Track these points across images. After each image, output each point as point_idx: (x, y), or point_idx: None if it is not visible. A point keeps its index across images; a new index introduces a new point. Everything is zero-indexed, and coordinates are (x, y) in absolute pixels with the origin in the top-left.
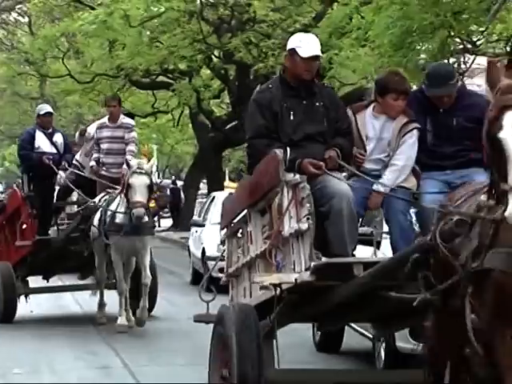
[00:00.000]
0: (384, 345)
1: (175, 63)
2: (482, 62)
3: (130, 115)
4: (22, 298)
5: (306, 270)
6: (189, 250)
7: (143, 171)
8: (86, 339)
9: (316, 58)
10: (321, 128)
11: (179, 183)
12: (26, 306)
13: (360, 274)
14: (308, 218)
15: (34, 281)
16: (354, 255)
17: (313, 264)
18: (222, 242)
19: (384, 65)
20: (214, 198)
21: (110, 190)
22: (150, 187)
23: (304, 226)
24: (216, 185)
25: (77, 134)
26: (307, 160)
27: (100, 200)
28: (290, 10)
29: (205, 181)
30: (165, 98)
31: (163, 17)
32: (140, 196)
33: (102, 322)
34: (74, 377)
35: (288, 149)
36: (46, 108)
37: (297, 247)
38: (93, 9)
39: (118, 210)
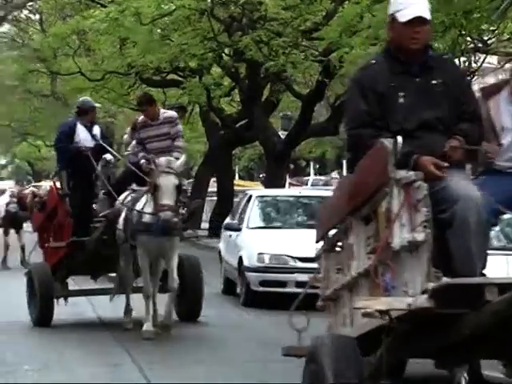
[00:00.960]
0: (466, 373)
1: (186, 61)
2: (492, 60)
3: (182, 108)
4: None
5: (423, 293)
6: (220, 255)
7: (172, 171)
8: (96, 338)
9: (423, 21)
10: (440, 113)
11: (187, 181)
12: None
13: (494, 300)
14: (425, 227)
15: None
16: (483, 275)
17: (431, 286)
18: (317, 258)
19: None
20: (250, 197)
21: (135, 188)
22: (179, 188)
23: (420, 236)
24: (226, 183)
25: (128, 129)
26: (427, 158)
27: (125, 198)
28: (301, 9)
29: (214, 179)
30: (175, 95)
31: (174, 15)
32: (168, 198)
33: (128, 328)
34: (85, 374)
35: (399, 139)
36: (90, 102)
37: (410, 263)
38: (104, 6)
39: (145, 210)
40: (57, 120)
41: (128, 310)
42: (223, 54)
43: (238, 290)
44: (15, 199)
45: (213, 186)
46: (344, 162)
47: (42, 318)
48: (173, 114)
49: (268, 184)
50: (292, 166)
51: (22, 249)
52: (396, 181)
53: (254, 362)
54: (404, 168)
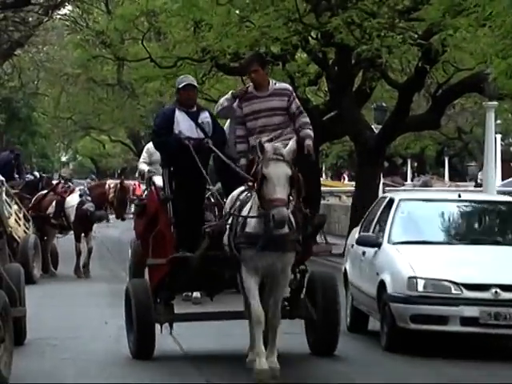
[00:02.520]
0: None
1: (267, 46)
2: None
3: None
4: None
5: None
6: (345, 278)
7: (282, 157)
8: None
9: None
10: None
11: None
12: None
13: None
14: None
15: None
16: None
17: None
18: None
19: (506, 47)
20: (390, 201)
21: (249, 184)
22: (292, 179)
23: None
24: (312, 184)
25: (226, 97)
26: None
27: (234, 203)
28: None
29: None
30: None
31: None
32: (280, 191)
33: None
34: None
35: None
36: (187, 79)
37: None
38: None
39: (251, 215)
40: (123, 112)
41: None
42: (309, 38)
43: (371, 326)
44: (89, 197)
45: None
46: (446, 159)
47: (141, 348)
48: (287, 86)
49: (359, 185)
50: (386, 164)
51: (89, 252)
52: None
53: None
54: None
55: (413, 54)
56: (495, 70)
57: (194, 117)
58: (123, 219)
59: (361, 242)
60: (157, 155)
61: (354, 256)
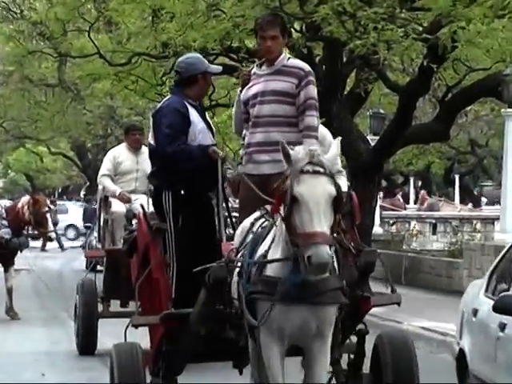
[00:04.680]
0: None
1: (241, 39)
2: None
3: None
4: None
5: None
6: (460, 362)
7: (321, 169)
8: None
9: None
10: None
11: None
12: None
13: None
14: None
15: None
16: None
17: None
18: None
19: None
20: None
21: (266, 208)
22: (337, 203)
23: None
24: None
25: (238, 93)
26: None
27: (244, 238)
28: None
29: None
30: (226, 85)
31: None
32: (320, 221)
33: None
34: None
35: None
36: (198, 61)
37: None
38: None
39: (272, 254)
40: (65, 119)
41: None
42: (292, 30)
43: None
44: (5, 221)
45: None
46: (456, 177)
47: None
48: (303, 64)
49: None
50: (385, 183)
51: (9, 293)
52: None
53: None
54: None
55: (416, 51)
56: None
57: (201, 114)
58: (50, 239)
59: (503, 308)
60: (129, 166)
61: (479, 329)
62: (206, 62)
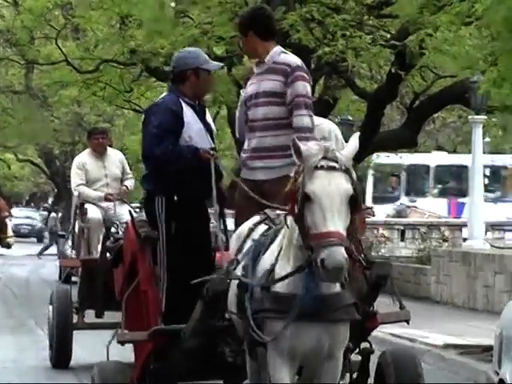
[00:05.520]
0: None
1: (209, 46)
2: None
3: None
4: None
5: None
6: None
7: (336, 164)
8: None
9: None
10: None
11: None
12: None
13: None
14: None
15: None
16: None
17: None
18: None
19: (496, 51)
20: None
21: (269, 214)
22: (355, 200)
23: None
24: None
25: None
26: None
27: (243, 243)
28: None
29: None
30: None
31: None
32: (335, 221)
33: None
34: None
35: None
36: (206, 58)
37: None
38: None
39: (280, 268)
40: (32, 126)
41: None
42: None
43: None
44: None
45: None
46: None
47: None
48: (291, 59)
49: None
50: None
51: None
52: None
53: None
54: None
55: (384, 58)
56: (483, 78)
57: (200, 115)
58: (9, 246)
59: None
60: (97, 172)
61: None
62: (205, 57)
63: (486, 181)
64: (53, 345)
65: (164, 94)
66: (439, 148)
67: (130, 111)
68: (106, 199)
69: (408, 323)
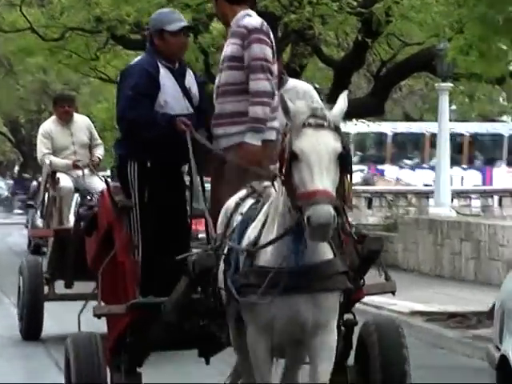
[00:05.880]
0: None
1: None
2: None
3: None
4: None
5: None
6: (503, 370)
7: (325, 122)
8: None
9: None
10: None
11: None
12: None
13: None
14: None
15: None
16: None
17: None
18: None
19: (463, 18)
20: None
21: (255, 187)
22: (343, 160)
23: None
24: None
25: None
26: None
27: (230, 217)
28: None
29: None
30: None
31: None
32: (322, 178)
33: None
34: None
35: None
36: (179, 18)
37: None
38: None
39: (266, 236)
40: None
41: None
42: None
43: None
44: None
45: None
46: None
47: None
48: (251, 22)
49: None
50: None
51: None
52: None
53: None
54: None
55: (351, 25)
56: (449, 45)
57: (179, 78)
58: None
59: None
60: (63, 140)
61: None
62: (170, 18)
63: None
64: (23, 316)
65: (141, 56)
66: (406, 116)
67: (96, 79)
68: (74, 166)
69: (394, 294)
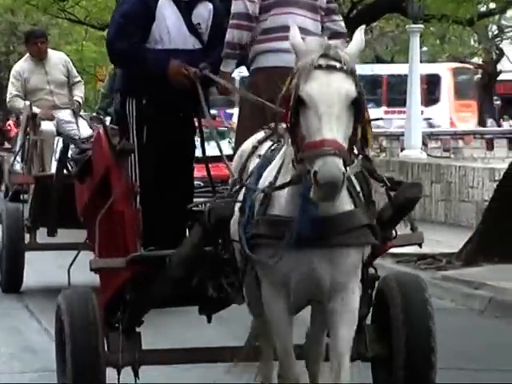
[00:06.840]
0: None
1: None
2: None
3: None
4: None
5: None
6: None
7: (338, 64)
8: None
9: None
10: None
11: None
12: None
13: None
14: None
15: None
16: None
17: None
18: None
19: None
20: None
21: (272, 128)
22: (358, 107)
23: None
24: None
25: None
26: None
27: (246, 160)
28: None
29: None
30: None
31: None
32: (331, 127)
33: None
34: None
35: None
36: None
37: None
38: None
39: (280, 181)
40: None
41: None
42: None
43: None
44: None
45: None
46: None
47: None
48: None
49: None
50: None
51: None
52: None
53: None
54: None
55: None
56: None
57: (186, 10)
58: None
59: None
60: (38, 80)
61: None
62: None
63: None
64: (3, 268)
65: None
66: (377, 58)
67: (65, 20)
68: (44, 117)
69: (420, 246)
